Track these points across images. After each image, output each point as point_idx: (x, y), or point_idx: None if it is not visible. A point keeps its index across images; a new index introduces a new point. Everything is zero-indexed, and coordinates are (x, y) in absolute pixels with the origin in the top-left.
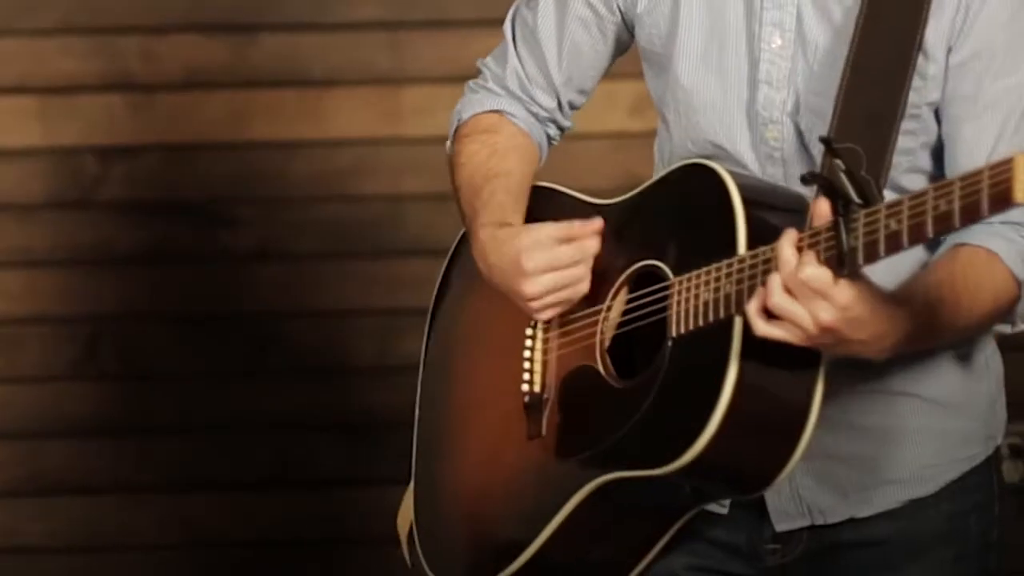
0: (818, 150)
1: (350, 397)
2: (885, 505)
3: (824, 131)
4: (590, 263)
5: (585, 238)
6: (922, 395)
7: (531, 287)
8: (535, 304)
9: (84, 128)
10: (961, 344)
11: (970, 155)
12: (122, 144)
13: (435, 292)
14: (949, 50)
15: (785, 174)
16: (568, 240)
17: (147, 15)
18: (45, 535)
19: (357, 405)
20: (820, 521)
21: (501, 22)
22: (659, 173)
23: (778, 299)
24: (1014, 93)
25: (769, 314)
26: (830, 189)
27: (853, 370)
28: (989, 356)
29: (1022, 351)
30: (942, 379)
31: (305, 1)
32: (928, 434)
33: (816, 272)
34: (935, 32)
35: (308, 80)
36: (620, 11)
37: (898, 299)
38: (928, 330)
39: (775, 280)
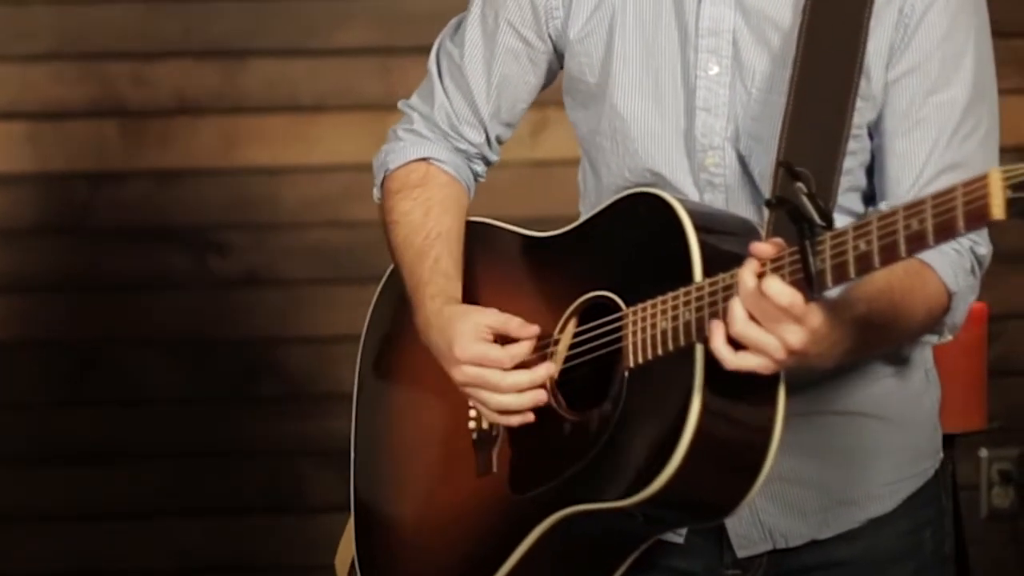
0: (760, 175)
1: (341, 423)
2: (846, 526)
3: (765, 156)
4: (513, 364)
5: (520, 340)
6: (872, 414)
7: (458, 375)
8: (464, 391)
9: (75, 153)
10: (900, 357)
11: (902, 170)
12: (112, 170)
13: (367, 323)
14: (887, 67)
15: (727, 200)
16: (503, 334)
17: (137, 41)
18: (36, 560)
19: (348, 431)
20: (782, 545)
21: None
22: (601, 204)
23: (742, 327)
24: (946, 109)
25: (734, 344)
26: (794, 213)
27: (804, 394)
28: (929, 371)
29: (1009, 376)
30: (889, 397)
31: (295, 27)
32: (882, 452)
33: (792, 297)
34: (875, 51)
35: (298, 105)
36: (551, 40)
37: (843, 307)
38: (870, 339)
39: (738, 308)
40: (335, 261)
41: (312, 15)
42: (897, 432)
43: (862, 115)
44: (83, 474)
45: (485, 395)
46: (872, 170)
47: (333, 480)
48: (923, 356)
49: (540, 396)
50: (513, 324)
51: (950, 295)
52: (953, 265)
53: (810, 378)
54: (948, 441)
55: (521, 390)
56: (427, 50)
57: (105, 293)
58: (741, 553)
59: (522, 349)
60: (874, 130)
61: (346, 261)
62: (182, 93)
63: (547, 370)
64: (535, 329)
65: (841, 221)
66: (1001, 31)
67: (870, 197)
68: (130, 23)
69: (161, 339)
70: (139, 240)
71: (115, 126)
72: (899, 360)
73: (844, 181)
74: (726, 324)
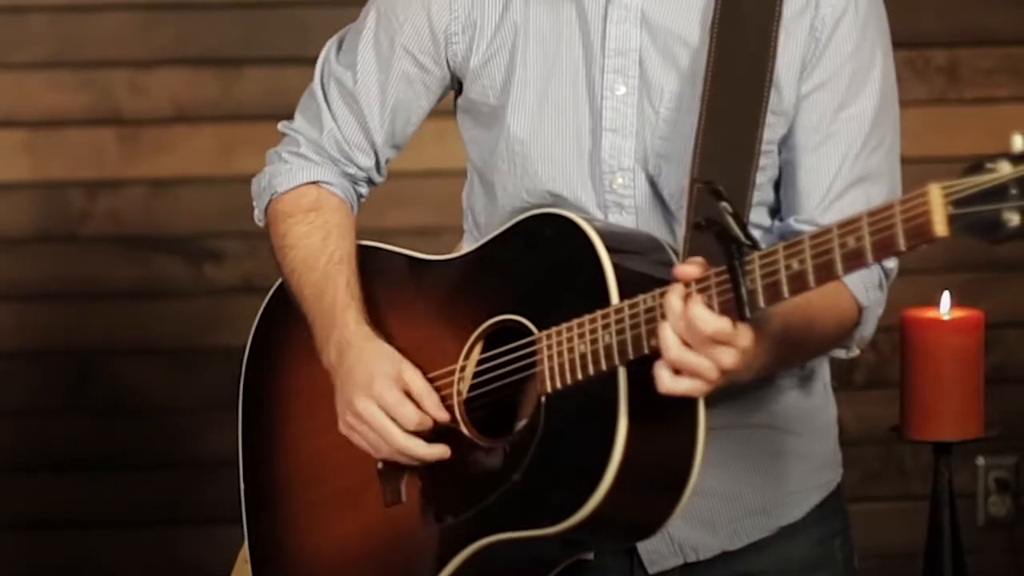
0: (669, 195)
1: None
2: (757, 535)
3: (674, 176)
4: (414, 429)
5: (428, 413)
6: (778, 426)
7: (359, 405)
8: (350, 420)
9: (72, 162)
10: (803, 371)
11: (812, 184)
12: (109, 178)
13: (250, 340)
14: (799, 81)
15: (637, 221)
16: (416, 399)
17: (134, 49)
18: (31, 570)
19: None
20: (693, 558)
21: None
22: (496, 225)
23: (677, 353)
24: (855, 123)
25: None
26: (722, 233)
27: (717, 408)
28: (826, 384)
29: (1006, 384)
30: (790, 408)
31: (291, 35)
32: (786, 461)
33: (718, 324)
34: (786, 66)
35: (294, 113)
36: (449, 66)
37: (761, 322)
38: (785, 354)
39: (669, 334)
40: None
41: (308, 24)
42: (802, 443)
43: (773, 130)
44: (79, 482)
45: (371, 437)
46: (779, 184)
47: None
48: (823, 370)
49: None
50: (429, 400)
51: (860, 309)
52: (864, 279)
53: (723, 393)
54: (945, 449)
55: (407, 454)
56: None
57: (101, 301)
58: (652, 569)
59: (427, 423)
60: (783, 145)
61: None
62: (179, 101)
63: (439, 452)
64: (445, 416)
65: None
66: (995, 39)
67: (775, 211)
68: (127, 31)
69: (157, 347)
70: (135, 248)
71: (112, 134)
72: (802, 374)
73: (755, 196)
74: (663, 350)
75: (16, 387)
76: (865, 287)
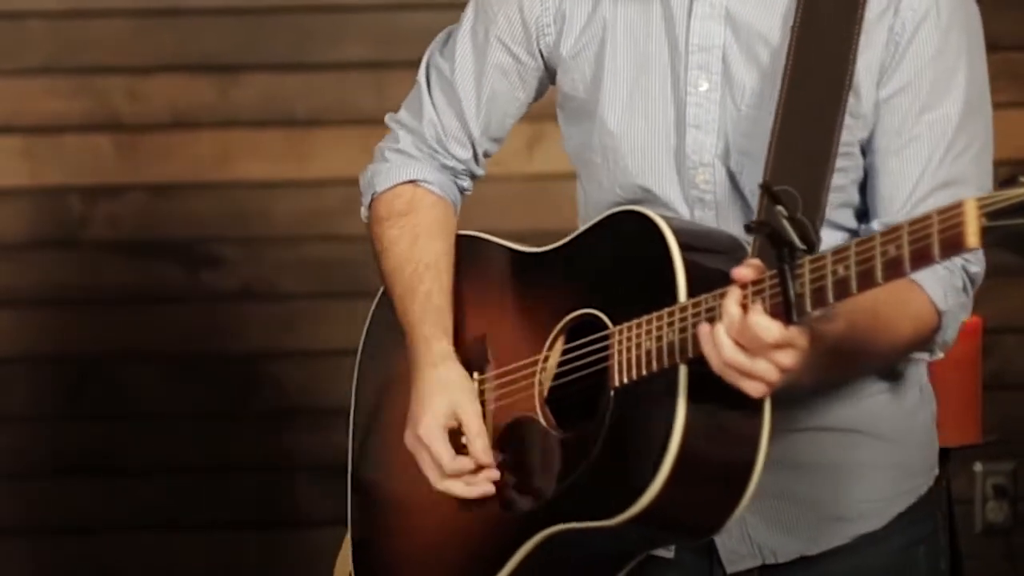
0: (751, 192)
1: (335, 437)
2: (835, 541)
3: (756, 173)
4: (451, 473)
5: (474, 455)
6: (864, 430)
7: (409, 436)
8: (407, 442)
9: (70, 168)
10: (893, 374)
11: (895, 188)
12: (107, 184)
13: (363, 339)
14: (878, 85)
15: (717, 217)
16: (467, 439)
17: (132, 55)
18: (31, 574)
19: (342, 445)
20: (771, 560)
21: None
22: (589, 221)
23: (731, 355)
24: (938, 127)
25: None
26: (774, 236)
27: (795, 410)
28: (924, 387)
29: (1004, 390)
30: (882, 413)
31: (289, 41)
32: (873, 468)
33: (773, 329)
34: (865, 69)
35: (292, 120)
36: (542, 56)
37: (822, 323)
38: (850, 356)
39: (723, 338)
40: (329, 275)
41: (307, 30)
42: (889, 448)
43: (852, 133)
44: (77, 487)
45: (423, 465)
46: (864, 187)
47: (327, 494)
48: (918, 372)
49: (478, 491)
50: (478, 444)
51: (939, 313)
52: (943, 283)
53: (800, 394)
54: (943, 455)
55: (445, 490)
56: None
57: (100, 307)
58: (731, 568)
59: (465, 467)
60: (866, 148)
61: (340, 275)
62: (177, 107)
63: (479, 492)
64: (489, 460)
65: (834, 237)
66: (996, 44)
67: (863, 213)
68: (125, 37)
69: (155, 352)
70: (133, 254)
71: (110, 140)
72: (892, 376)
73: (836, 198)
74: (714, 351)
75: (14, 392)
76: (944, 291)
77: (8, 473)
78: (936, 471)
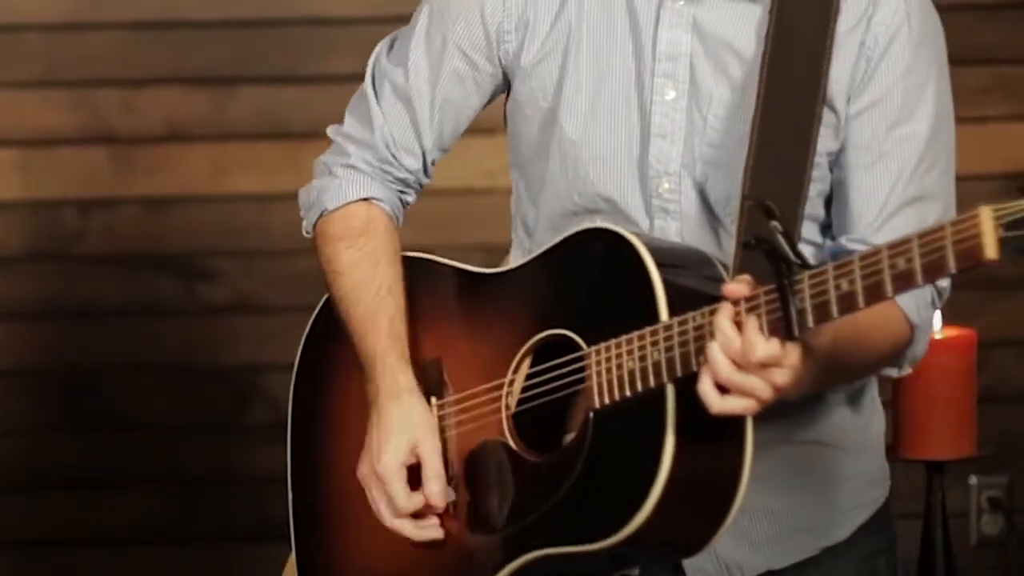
0: (716, 201)
1: None
2: (802, 555)
3: (722, 184)
4: (405, 513)
5: (428, 497)
6: (829, 442)
7: (363, 473)
8: (359, 474)
9: (65, 181)
10: (852, 388)
11: (865, 203)
12: (102, 197)
13: (299, 354)
14: (848, 99)
15: (682, 227)
16: (424, 477)
17: (127, 68)
18: None
19: None
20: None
21: None
22: (539, 232)
23: (727, 374)
24: (908, 143)
25: (719, 387)
26: (772, 253)
27: (766, 425)
28: (874, 399)
29: (999, 403)
30: (840, 424)
31: (284, 54)
32: (837, 480)
33: (773, 349)
34: (837, 82)
35: (288, 133)
36: (501, 64)
37: (810, 339)
38: (834, 371)
39: (719, 356)
40: (324, 289)
41: (302, 42)
42: (852, 460)
43: (824, 143)
44: (71, 500)
45: (376, 500)
46: (830, 200)
47: None
48: (871, 384)
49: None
50: (434, 486)
51: (912, 327)
52: (915, 298)
53: (771, 410)
54: (938, 468)
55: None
56: None
57: (94, 320)
58: None
59: (418, 506)
60: (835, 163)
61: None
62: (172, 120)
63: (429, 535)
64: (440, 505)
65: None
66: (989, 58)
67: (826, 227)
68: (120, 50)
69: (150, 366)
70: (129, 267)
71: (105, 153)
72: (851, 389)
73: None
74: (709, 370)
75: (8, 405)
76: (917, 306)
77: (2, 486)
78: (889, 482)
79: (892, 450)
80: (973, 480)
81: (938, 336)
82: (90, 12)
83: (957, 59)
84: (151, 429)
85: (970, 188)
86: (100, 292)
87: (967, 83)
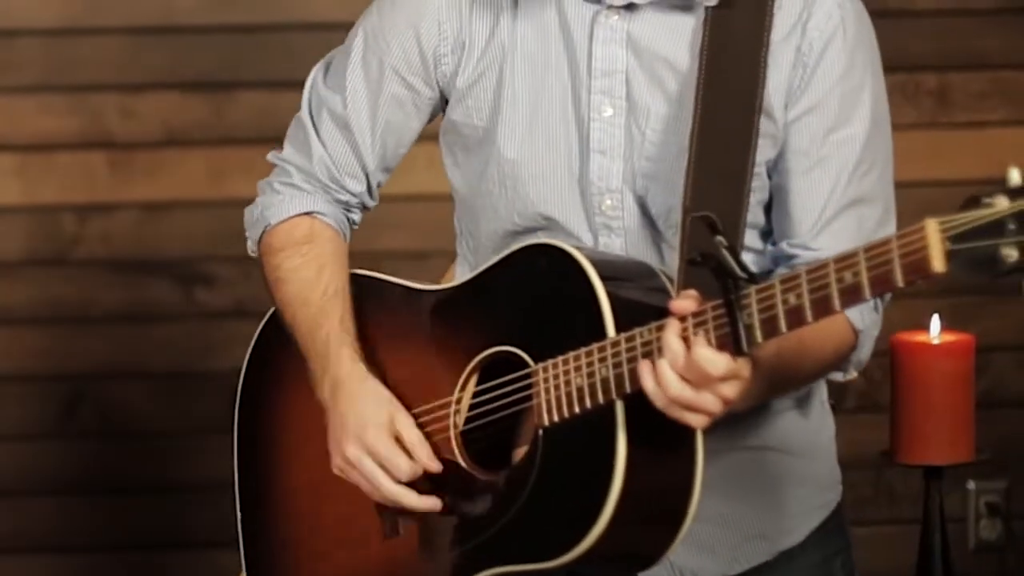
0: (657, 215)
1: None
2: (756, 560)
3: (662, 198)
4: (406, 480)
5: (420, 463)
6: (778, 447)
7: (350, 451)
8: (340, 464)
9: (62, 186)
10: (801, 393)
11: (804, 209)
12: (100, 201)
13: (244, 368)
14: (786, 106)
15: (626, 243)
16: (408, 448)
17: (125, 73)
18: None
19: None
20: None
21: None
22: (481, 252)
23: (677, 391)
24: (846, 146)
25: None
26: (718, 268)
27: (714, 432)
28: (824, 403)
29: (997, 408)
30: (788, 429)
31: (283, 59)
32: (789, 484)
33: (725, 364)
34: (773, 90)
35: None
36: (439, 86)
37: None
38: (780, 379)
39: (668, 373)
40: None
41: (300, 48)
42: (801, 464)
43: (763, 152)
44: (69, 506)
45: (363, 483)
46: (769, 206)
47: None
48: (820, 389)
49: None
50: (421, 451)
51: (856, 333)
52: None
53: (719, 418)
54: (935, 473)
55: (398, 503)
56: None
57: (92, 324)
58: None
59: (418, 472)
60: (773, 169)
61: None
62: (170, 125)
63: (430, 503)
64: (437, 466)
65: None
66: (987, 63)
67: (767, 233)
68: (118, 55)
69: (148, 371)
70: (126, 272)
71: (103, 158)
72: (799, 394)
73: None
74: (658, 388)
75: (6, 411)
76: (860, 311)
77: (1, 492)
78: (841, 486)
79: (890, 455)
80: (971, 485)
81: (936, 341)
82: (88, 17)
83: (956, 64)
84: (149, 434)
85: (969, 193)
86: (98, 297)
87: (966, 88)
